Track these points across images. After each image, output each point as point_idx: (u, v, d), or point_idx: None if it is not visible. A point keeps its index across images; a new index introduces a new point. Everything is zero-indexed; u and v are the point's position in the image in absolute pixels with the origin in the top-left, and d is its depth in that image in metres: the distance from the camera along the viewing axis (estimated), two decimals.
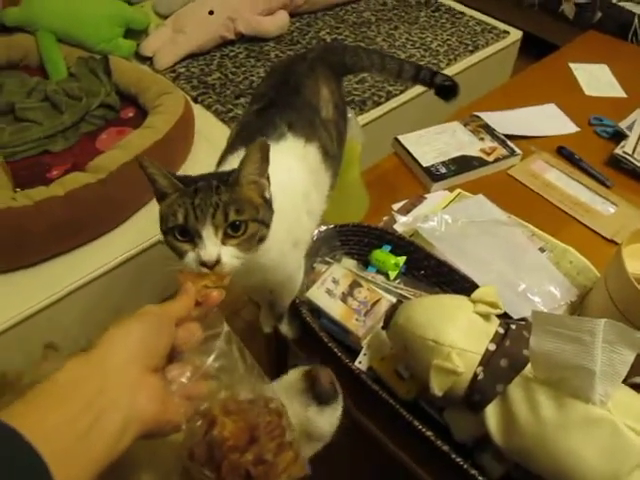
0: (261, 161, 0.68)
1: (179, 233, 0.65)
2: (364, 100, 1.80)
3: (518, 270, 1.02)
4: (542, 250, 1.09)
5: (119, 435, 0.42)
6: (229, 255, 0.65)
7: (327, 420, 0.67)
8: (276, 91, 0.94)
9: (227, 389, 0.54)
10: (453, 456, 0.76)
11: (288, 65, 1.01)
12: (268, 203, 0.72)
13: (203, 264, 0.64)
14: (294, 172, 0.85)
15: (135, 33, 2.04)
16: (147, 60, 1.99)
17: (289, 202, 0.81)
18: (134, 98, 1.77)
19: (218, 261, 0.64)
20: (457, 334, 0.75)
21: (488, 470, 0.79)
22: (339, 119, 0.98)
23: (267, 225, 0.71)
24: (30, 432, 0.38)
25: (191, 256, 0.65)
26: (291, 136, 0.86)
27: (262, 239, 0.70)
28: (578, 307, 1.01)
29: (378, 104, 1.80)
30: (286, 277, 0.87)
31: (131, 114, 1.77)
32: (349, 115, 1.03)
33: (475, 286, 0.95)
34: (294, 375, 0.69)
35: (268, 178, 0.71)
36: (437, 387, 0.74)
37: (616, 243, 1.15)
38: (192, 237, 0.65)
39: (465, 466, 0.76)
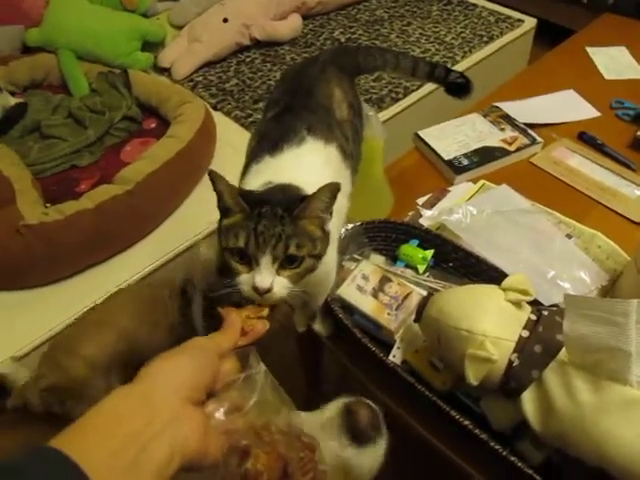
0: (329, 200, 0.70)
1: (237, 254, 0.67)
2: (382, 97, 1.81)
3: (546, 257, 1.03)
4: (569, 236, 1.09)
5: (165, 465, 0.42)
6: (280, 285, 0.67)
7: (367, 460, 0.66)
8: (290, 96, 0.96)
9: (260, 424, 0.55)
10: (492, 444, 0.77)
11: (299, 70, 1.03)
12: (327, 235, 0.73)
13: (255, 289, 0.66)
14: (319, 172, 0.86)
15: (152, 45, 2.08)
16: (165, 71, 2.03)
17: None
18: (155, 109, 1.81)
19: (269, 289, 0.66)
20: (490, 322, 0.76)
21: (528, 457, 0.80)
22: (354, 118, 0.99)
23: (321, 258, 0.72)
24: (80, 462, 0.38)
25: (245, 278, 0.67)
26: (311, 139, 0.87)
27: (313, 270, 0.71)
28: (609, 291, 1.01)
29: (396, 100, 1.81)
30: (323, 277, 0.88)
31: (153, 125, 1.80)
32: (370, 113, 1.04)
33: (504, 275, 0.95)
34: (332, 410, 0.68)
35: (331, 213, 0.73)
36: (472, 376, 0.75)
37: None
38: (249, 261, 0.67)
39: (504, 453, 0.76)
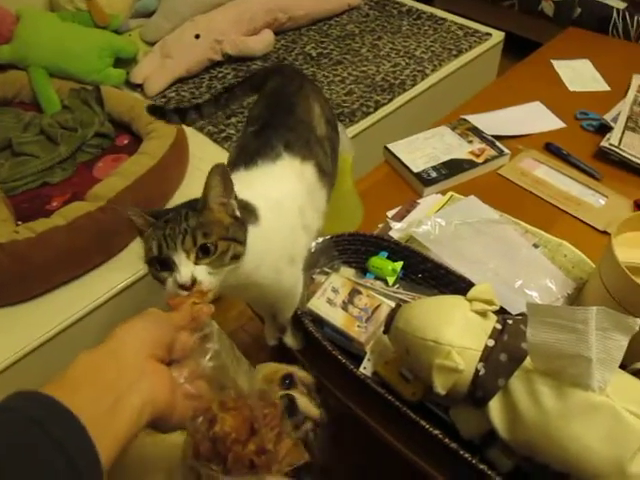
0: (223, 184, 0.72)
1: (158, 263, 0.69)
2: (353, 111, 1.83)
3: (514, 267, 1.05)
4: (536, 246, 1.11)
5: (138, 415, 0.46)
6: (204, 273, 0.68)
7: None
8: (270, 112, 0.97)
9: (223, 387, 0.58)
10: (462, 452, 0.78)
11: (278, 85, 1.04)
12: (239, 221, 0.75)
13: (181, 287, 0.67)
14: (290, 190, 0.87)
15: (124, 62, 2.08)
16: (138, 87, 2.03)
17: (284, 220, 0.84)
18: (128, 125, 1.80)
19: (194, 281, 0.67)
20: (456, 333, 0.77)
21: (497, 465, 0.80)
22: (332, 134, 1.01)
23: (240, 242, 0.74)
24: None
25: (170, 282, 0.68)
26: (287, 156, 0.89)
27: (237, 256, 0.73)
28: (575, 299, 1.03)
29: (367, 114, 1.83)
30: (284, 293, 0.89)
31: (126, 141, 1.80)
32: (339, 129, 1.05)
33: (472, 285, 0.96)
34: None
35: (236, 198, 0.75)
36: (440, 386, 0.76)
37: (608, 234, 1.16)
38: (169, 265, 0.68)
39: (474, 461, 0.77)
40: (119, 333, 0.51)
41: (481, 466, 0.77)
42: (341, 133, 1.06)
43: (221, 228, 0.71)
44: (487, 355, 0.76)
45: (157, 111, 1.25)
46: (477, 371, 0.76)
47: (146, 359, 0.50)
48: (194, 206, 0.72)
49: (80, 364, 0.47)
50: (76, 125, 1.77)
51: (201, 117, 1.14)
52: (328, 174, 0.96)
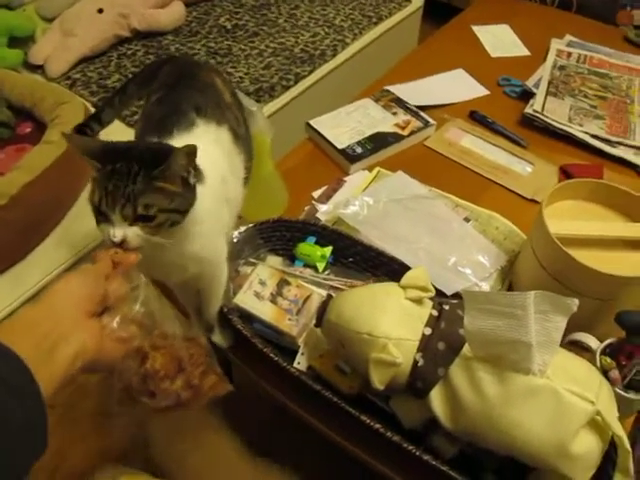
0: (188, 163, 0.69)
1: (96, 209, 0.67)
2: (272, 86, 1.74)
3: (445, 243, 1.02)
4: (467, 220, 1.09)
5: (70, 363, 0.52)
6: (134, 235, 0.67)
7: None
8: (173, 79, 0.90)
9: (151, 331, 0.64)
10: (405, 445, 0.75)
11: (174, 68, 0.97)
12: (189, 189, 0.71)
13: (112, 242, 0.67)
14: (210, 157, 0.80)
15: (21, 41, 1.90)
16: (38, 69, 1.86)
17: (209, 189, 0.77)
18: (29, 112, 1.65)
19: (123, 241, 0.66)
20: (391, 324, 0.73)
21: (441, 451, 0.78)
22: (239, 106, 0.95)
23: (181, 212, 0.71)
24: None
25: (103, 229, 0.67)
26: (202, 122, 0.83)
27: (174, 224, 0.70)
28: (508, 272, 1.01)
29: (287, 88, 1.75)
30: (212, 270, 0.85)
31: (28, 129, 1.65)
32: (253, 108, 0.98)
33: (405, 267, 0.93)
34: None
35: (195, 167, 0.72)
36: (378, 381, 0.72)
37: (537, 202, 1.15)
38: (106, 217, 0.67)
39: (417, 453, 0.74)
40: (57, 288, 0.56)
41: (425, 457, 0.74)
42: (257, 113, 0.98)
43: (165, 200, 0.68)
44: (425, 345, 0.72)
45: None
46: (415, 362, 0.72)
47: (78, 315, 0.55)
48: (148, 161, 0.67)
49: (22, 316, 0.53)
50: None
51: (102, 126, 1.03)
52: (242, 139, 0.90)
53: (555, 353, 0.67)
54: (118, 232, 0.66)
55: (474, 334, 0.68)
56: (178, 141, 0.78)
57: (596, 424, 0.68)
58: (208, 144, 0.81)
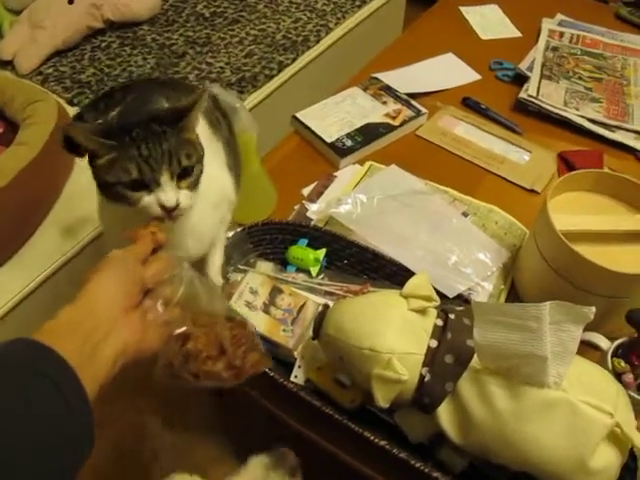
0: (204, 104, 0.70)
1: (131, 185, 0.65)
2: (255, 75, 1.67)
3: (445, 241, 0.97)
4: (465, 214, 1.04)
5: (111, 364, 0.52)
6: (185, 197, 0.68)
7: None
8: (138, 88, 0.85)
9: (195, 311, 0.63)
10: (412, 462, 0.71)
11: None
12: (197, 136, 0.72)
13: (164, 208, 0.66)
14: None
15: None
16: (7, 65, 1.78)
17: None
18: (0, 111, 1.57)
19: (177, 205, 0.67)
20: (394, 337, 0.68)
21: (450, 465, 0.74)
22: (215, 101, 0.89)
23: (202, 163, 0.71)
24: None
25: (149, 200, 0.66)
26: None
27: (202, 172, 0.71)
28: (511, 269, 0.97)
29: (270, 77, 1.68)
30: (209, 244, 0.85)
31: (0, 130, 1.58)
32: (237, 105, 0.92)
33: (403, 269, 0.89)
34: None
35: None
36: (382, 399, 0.67)
37: (536, 192, 1.11)
38: (146, 185, 0.65)
39: (426, 470, 0.70)
40: (94, 288, 0.54)
41: (435, 474, 0.70)
42: (240, 110, 0.92)
43: (196, 150, 0.69)
44: (431, 358, 0.68)
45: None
46: (422, 377, 0.68)
47: (116, 312, 0.54)
48: (165, 118, 0.67)
49: (63, 318, 0.51)
50: None
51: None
52: (217, 124, 0.85)
53: (570, 364, 0.63)
54: (171, 195, 0.65)
55: (485, 347, 0.63)
56: None
57: (615, 436, 0.65)
58: None
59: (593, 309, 0.59)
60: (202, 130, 0.78)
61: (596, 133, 1.22)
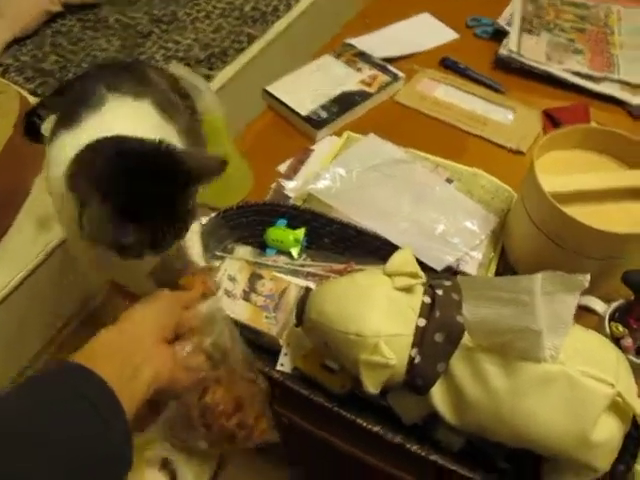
0: None
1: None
2: (224, 50, 1.60)
3: (430, 211, 0.93)
4: (449, 181, 0.99)
5: (147, 389, 0.53)
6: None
7: None
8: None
9: (218, 363, 0.64)
10: (408, 446, 0.68)
11: None
12: None
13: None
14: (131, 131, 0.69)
15: None
16: None
17: None
18: None
19: None
20: (380, 320, 0.64)
21: (447, 444, 0.72)
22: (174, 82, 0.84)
23: None
24: None
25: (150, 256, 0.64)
26: (112, 96, 0.70)
27: None
28: (500, 235, 0.93)
29: (240, 51, 1.62)
30: None
31: None
32: (202, 87, 0.86)
33: (387, 243, 0.85)
34: None
35: None
36: (371, 385, 0.64)
37: (522, 153, 1.07)
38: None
39: (423, 454, 0.68)
40: (134, 316, 0.58)
41: (432, 457, 0.67)
42: (205, 92, 0.87)
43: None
44: (420, 338, 0.64)
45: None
46: (412, 359, 0.64)
47: (153, 343, 0.56)
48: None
49: (103, 341, 0.54)
50: None
51: (49, 110, 0.89)
52: (171, 107, 0.78)
53: (566, 335, 0.59)
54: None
55: (476, 325, 0.60)
56: (88, 124, 0.67)
57: (617, 406, 0.61)
58: (125, 118, 0.69)
59: (588, 277, 0.56)
60: (149, 116, 0.73)
61: (581, 86, 1.17)
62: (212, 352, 0.63)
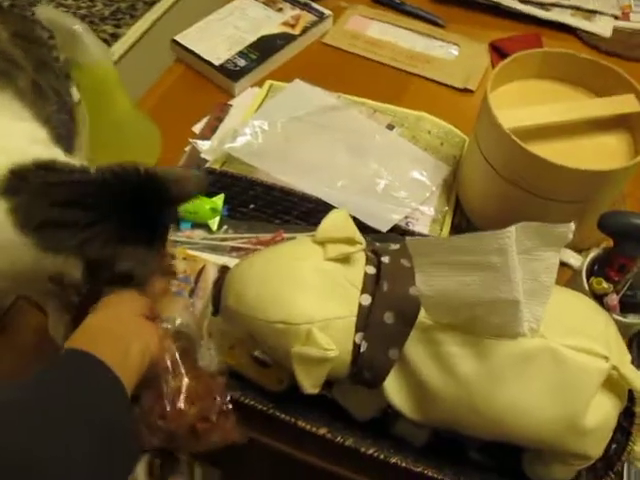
0: None
1: None
2: (133, 4, 1.42)
3: (369, 163, 0.79)
4: (391, 127, 0.86)
5: (141, 360, 0.53)
6: None
7: None
8: None
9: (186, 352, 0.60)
10: (363, 449, 0.56)
11: None
12: None
13: None
14: None
15: None
16: None
17: None
18: None
19: None
20: (310, 301, 0.50)
21: (410, 438, 0.60)
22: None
23: None
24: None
25: None
26: None
27: None
28: (453, 185, 0.80)
29: (152, 4, 1.43)
30: None
31: None
32: (76, 27, 0.69)
33: (321, 204, 0.71)
34: None
35: None
36: (309, 384, 0.50)
37: (471, 91, 0.94)
38: None
39: (382, 457, 0.56)
40: (113, 300, 0.57)
41: (393, 460, 0.56)
42: (83, 35, 0.69)
43: None
44: (365, 320, 0.51)
45: None
46: (357, 346, 0.51)
47: (139, 320, 0.56)
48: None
49: (91, 325, 0.54)
50: None
51: None
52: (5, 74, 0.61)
53: (547, 301, 0.47)
54: None
55: (433, 299, 0.46)
56: None
57: (611, 381, 0.50)
58: None
59: (572, 226, 0.43)
60: None
61: (530, 15, 1.05)
62: (178, 337, 0.61)
